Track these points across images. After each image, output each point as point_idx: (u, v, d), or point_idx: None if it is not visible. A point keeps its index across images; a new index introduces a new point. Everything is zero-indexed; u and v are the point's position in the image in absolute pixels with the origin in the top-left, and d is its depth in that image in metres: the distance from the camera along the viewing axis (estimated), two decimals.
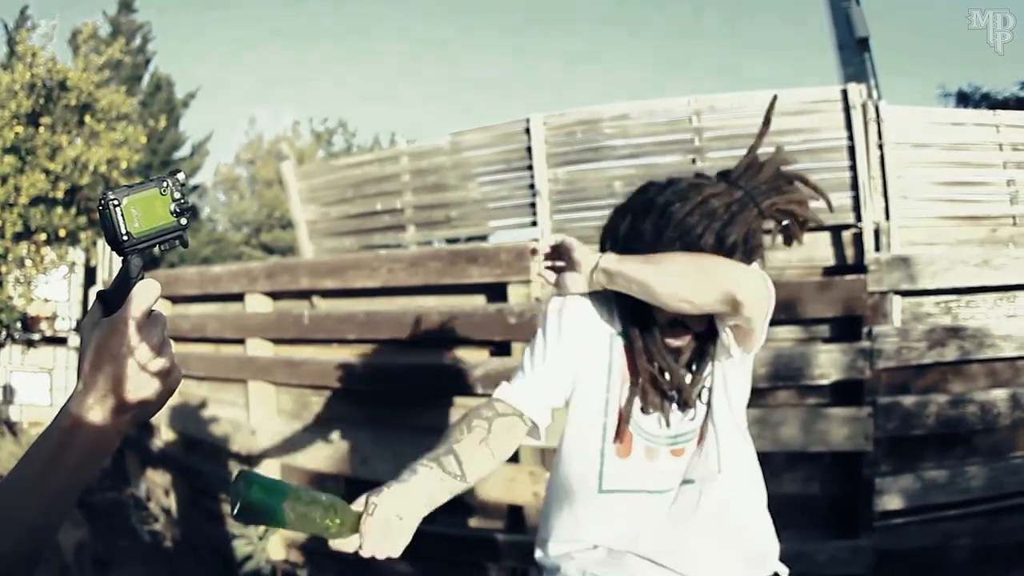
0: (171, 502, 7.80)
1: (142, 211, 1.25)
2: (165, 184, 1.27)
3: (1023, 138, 5.01)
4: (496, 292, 5.24)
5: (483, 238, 5.80)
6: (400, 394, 5.66)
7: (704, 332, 2.25)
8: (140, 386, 1.21)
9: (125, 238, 1.23)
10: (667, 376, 2.28)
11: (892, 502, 4.58)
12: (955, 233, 4.94)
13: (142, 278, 1.25)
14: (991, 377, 4.71)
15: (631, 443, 2.32)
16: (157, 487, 8.22)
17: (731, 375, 2.28)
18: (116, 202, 1.23)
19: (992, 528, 4.74)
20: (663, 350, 2.26)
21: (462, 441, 2.07)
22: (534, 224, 5.35)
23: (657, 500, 2.32)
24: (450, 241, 5.87)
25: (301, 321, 6.07)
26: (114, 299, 1.23)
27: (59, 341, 14.23)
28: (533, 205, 5.35)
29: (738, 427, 2.33)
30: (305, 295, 6.25)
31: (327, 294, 6.12)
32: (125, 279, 1.24)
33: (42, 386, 14.08)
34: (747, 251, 2.16)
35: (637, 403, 2.30)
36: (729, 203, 2.17)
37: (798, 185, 2.30)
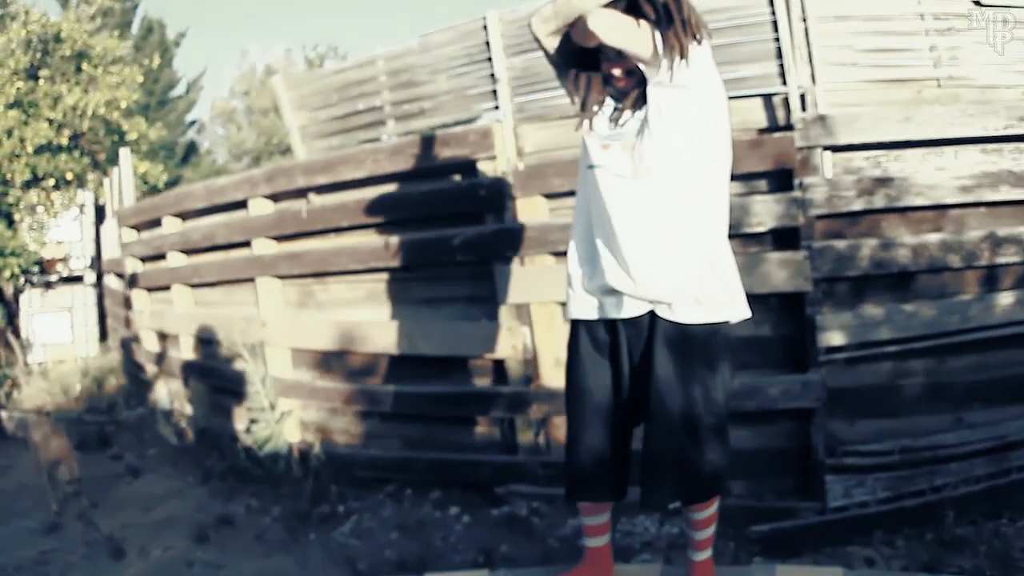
0: (193, 406, 8.25)
1: None
2: None
3: (944, 8, 5.17)
4: (467, 169, 5.80)
5: (453, 124, 6.27)
6: (392, 270, 6.20)
7: (640, 79, 2.92)
8: None
9: None
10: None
11: (836, 338, 4.91)
12: (881, 95, 5.19)
13: None
14: (922, 224, 5.01)
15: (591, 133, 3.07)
16: (179, 396, 8.65)
17: (665, 105, 2.86)
18: None
19: (940, 368, 5.06)
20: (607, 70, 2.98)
21: None
22: (496, 108, 5.86)
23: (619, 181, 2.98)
24: (426, 131, 6.32)
25: (300, 216, 6.58)
26: None
27: (75, 280, 14.60)
28: (495, 92, 5.85)
29: (672, 149, 2.91)
30: (302, 194, 6.74)
31: (321, 190, 6.61)
32: None
33: (63, 325, 14.47)
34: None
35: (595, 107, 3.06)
36: None
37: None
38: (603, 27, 2.73)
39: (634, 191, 2.95)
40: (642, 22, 2.74)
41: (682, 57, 2.74)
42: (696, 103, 2.86)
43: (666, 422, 3.06)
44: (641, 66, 2.83)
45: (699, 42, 2.79)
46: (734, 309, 3.10)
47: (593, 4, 2.75)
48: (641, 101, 2.93)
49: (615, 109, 3.05)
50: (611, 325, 3.13)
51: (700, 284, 2.99)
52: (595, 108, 3.05)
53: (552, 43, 3.00)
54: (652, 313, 3.05)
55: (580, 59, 3.03)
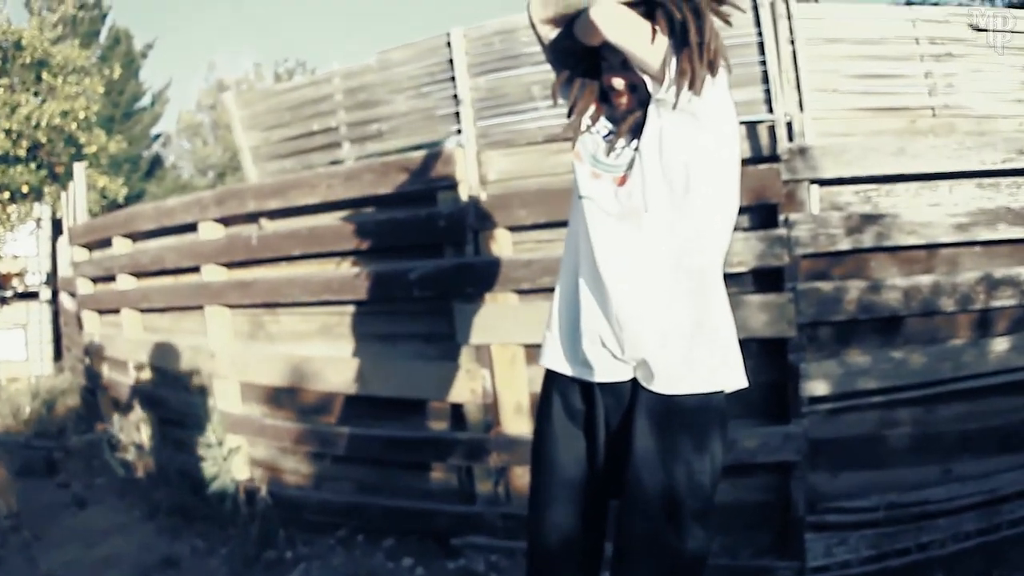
0: (142, 435, 7.92)
1: None
2: None
3: (940, 32, 4.97)
4: (427, 197, 5.44)
5: (412, 148, 5.91)
6: (345, 304, 5.88)
7: (642, 100, 2.57)
8: None
9: None
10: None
11: (820, 387, 4.63)
12: (873, 124, 4.95)
13: None
14: (914, 264, 4.76)
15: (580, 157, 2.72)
16: (129, 423, 8.27)
17: (668, 131, 2.50)
18: None
19: (929, 417, 4.81)
20: (608, 80, 2.62)
21: None
22: (459, 132, 5.52)
23: (610, 220, 2.63)
24: (385, 154, 6.04)
25: (250, 243, 6.25)
26: None
27: (31, 296, 14.30)
28: (458, 114, 5.51)
29: (669, 184, 2.54)
30: (253, 218, 6.42)
31: (273, 215, 6.29)
32: None
33: (17, 342, 14.16)
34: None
35: (587, 121, 2.72)
36: None
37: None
38: (607, 19, 2.37)
39: (623, 231, 2.60)
40: (658, 31, 2.39)
41: (691, 87, 2.37)
42: (705, 131, 2.50)
43: (643, 505, 2.68)
44: (646, 80, 2.45)
45: (714, 73, 2.43)
46: (728, 376, 2.71)
47: None
48: (641, 129, 2.56)
49: (610, 133, 2.69)
50: (588, 390, 2.76)
51: (691, 344, 2.62)
52: (586, 123, 2.71)
53: (548, 32, 2.68)
54: (635, 380, 2.69)
55: (581, 64, 2.69)
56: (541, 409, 2.92)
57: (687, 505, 2.67)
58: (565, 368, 2.81)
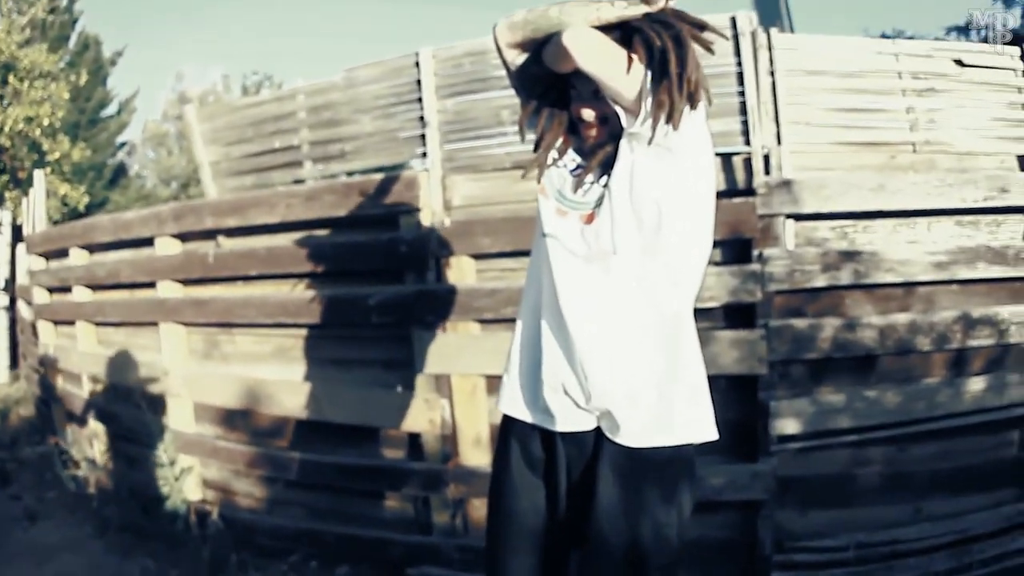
0: (94, 450, 7.83)
1: None
2: None
3: (922, 66, 4.91)
4: (389, 221, 5.29)
5: (375, 170, 5.75)
6: (301, 327, 5.72)
7: (613, 133, 2.42)
8: None
9: None
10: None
11: (791, 426, 4.54)
12: (852, 159, 4.88)
13: None
14: (889, 303, 4.66)
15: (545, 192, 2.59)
16: (82, 436, 8.22)
17: (641, 166, 2.35)
18: None
19: (901, 456, 4.73)
20: (577, 111, 2.48)
21: None
22: (424, 155, 5.37)
23: (576, 261, 2.48)
24: (348, 175, 5.88)
25: (206, 260, 6.09)
26: None
27: None
28: (423, 137, 5.35)
29: (640, 223, 2.40)
30: (211, 235, 6.25)
31: (231, 233, 6.13)
32: None
33: None
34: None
35: (554, 154, 2.57)
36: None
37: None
38: (580, 45, 2.21)
39: (590, 273, 2.45)
40: (635, 60, 2.22)
41: (668, 120, 2.21)
42: (681, 166, 2.35)
43: (606, 559, 2.54)
44: (619, 112, 2.29)
45: (694, 106, 2.27)
46: (699, 428, 2.56)
47: (576, 19, 2.26)
48: (611, 164, 2.41)
49: (578, 167, 2.54)
50: (548, 437, 2.61)
51: (661, 397, 2.48)
52: (553, 157, 2.55)
53: (515, 57, 2.51)
54: (599, 429, 2.54)
55: (549, 93, 2.53)
56: (499, 455, 2.78)
57: (652, 560, 2.54)
58: (524, 415, 2.66)
